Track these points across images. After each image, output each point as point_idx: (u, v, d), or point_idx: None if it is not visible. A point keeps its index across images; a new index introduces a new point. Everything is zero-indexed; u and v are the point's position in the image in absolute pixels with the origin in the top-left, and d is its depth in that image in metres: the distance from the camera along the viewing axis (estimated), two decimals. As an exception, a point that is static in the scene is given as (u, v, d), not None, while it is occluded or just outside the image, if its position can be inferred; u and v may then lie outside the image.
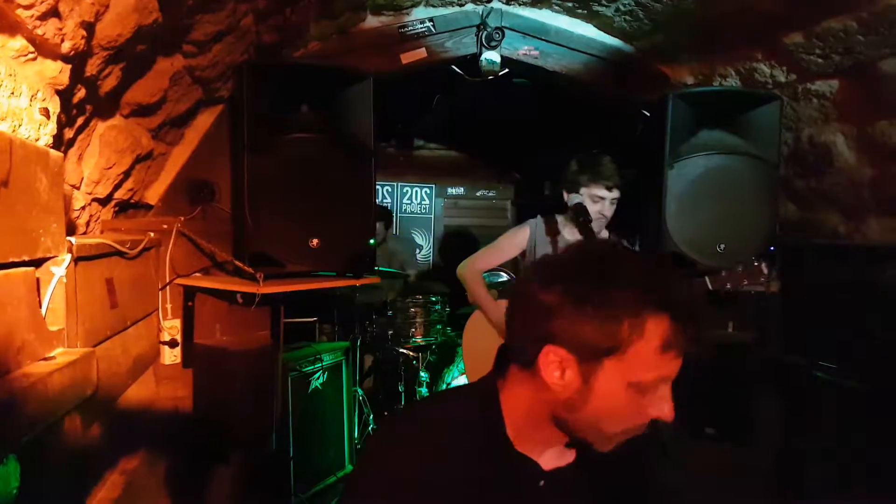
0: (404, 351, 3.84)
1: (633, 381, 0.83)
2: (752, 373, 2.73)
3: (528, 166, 5.94)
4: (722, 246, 2.41)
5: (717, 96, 2.50)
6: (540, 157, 5.44)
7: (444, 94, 3.73)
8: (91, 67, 1.33)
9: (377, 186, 5.93)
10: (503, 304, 2.67)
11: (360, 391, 3.68)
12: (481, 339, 2.68)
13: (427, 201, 6.13)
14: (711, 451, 2.58)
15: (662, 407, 0.86)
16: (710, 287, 2.17)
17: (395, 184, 6.03)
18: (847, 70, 2.18)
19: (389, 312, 3.89)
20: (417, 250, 6.04)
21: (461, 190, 6.23)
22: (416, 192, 6.10)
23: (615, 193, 2.32)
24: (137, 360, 2.00)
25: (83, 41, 1.18)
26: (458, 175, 6.21)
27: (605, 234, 2.54)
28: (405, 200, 6.07)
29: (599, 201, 2.37)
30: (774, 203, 2.48)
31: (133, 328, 1.93)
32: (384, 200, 5.97)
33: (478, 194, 6.27)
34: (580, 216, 2.19)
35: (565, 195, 2.50)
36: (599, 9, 2.58)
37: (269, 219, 2.11)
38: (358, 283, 2.29)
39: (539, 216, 2.66)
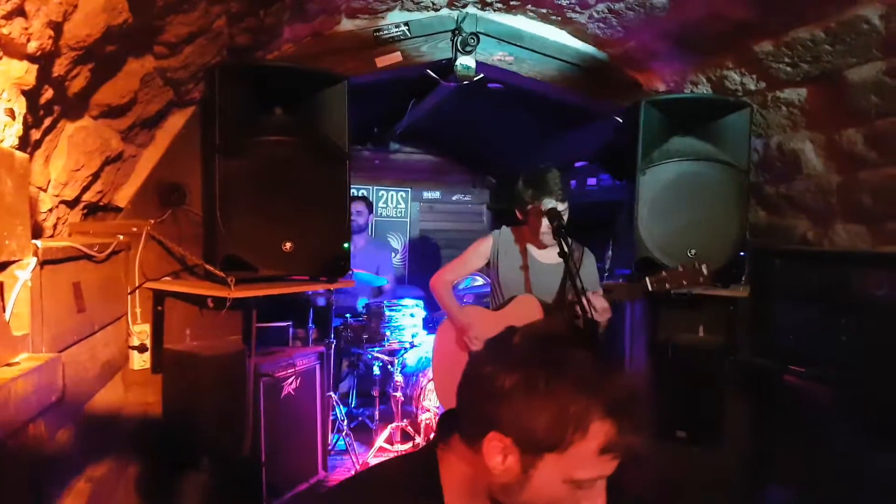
0: (378, 355, 3.83)
1: (571, 478, 0.85)
2: (723, 376, 2.78)
3: (504, 171, 5.98)
4: (693, 251, 2.46)
5: (688, 103, 2.56)
6: (515, 162, 5.48)
7: (420, 97, 3.73)
8: (59, 68, 1.29)
9: (353, 190, 5.94)
10: (468, 309, 2.73)
11: (334, 396, 3.65)
12: (449, 345, 2.70)
13: (403, 205, 6.13)
14: (682, 453, 2.62)
15: (596, 502, 0.89)
16: (649, 288, 2.20)
17: (370, 187, 6.01)
18: (815, 78, 2.23)
19: (363, 317, 3.87)
20: (393, 254, 6.02)
21: (437, 194, 6.24)
22: (392, 195, 6.10)
23: (562, 205, 2.36)
24: (105, 365, 1.96)
25: (50, 41, 1.16)
26: (434, 179, 6.22)
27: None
28: (381, 204, 6.06)
29: (538, 215, 2.40)
30: (745, 209, 2.54)
31: (101, 333, 1.89)
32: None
33: (454, 198, 6.29)
34: (553, 220, 2.22)
35: (517, 212, 2.54)
36: (573, 15, 2.61)
37: (241, 222, 2.09)
38: (332, 287, 2.27)
39: (504, 226, 2.70)
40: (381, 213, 6.06)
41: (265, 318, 3.29)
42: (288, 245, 2.13)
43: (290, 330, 3.93)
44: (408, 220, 6.16)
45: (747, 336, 2.79)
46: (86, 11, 1.21)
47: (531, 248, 2.59)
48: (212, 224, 2.12)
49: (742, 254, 2.52)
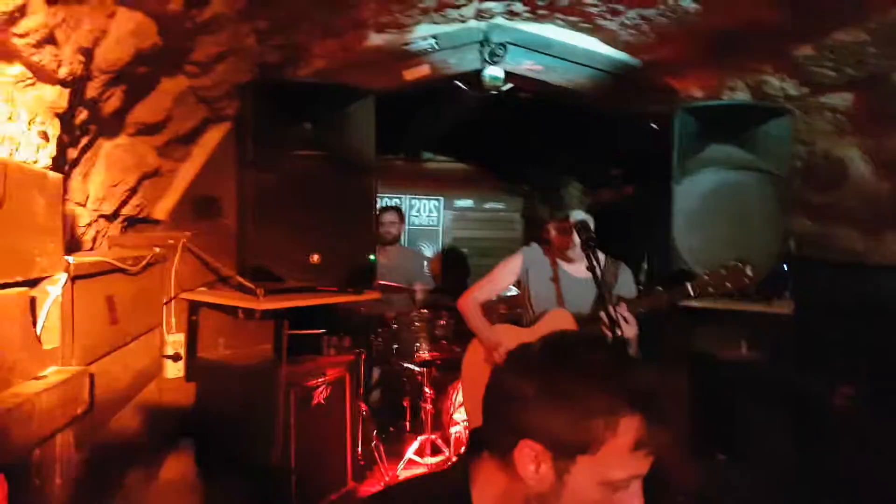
0: (409, 366, 3.82)
1: (606, 480, 0.84)
2: (767, 396, 2.67)
3: (538, 178, 5.92)
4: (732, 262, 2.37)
5: (725, 110, 2.47)
6: (549, 169, 5.42)
7: (451, 106, 3.73)
8: (91, 90, 1.34)
9: (385, 199, 5.98)
10: (499, 328, 2.66)
11: (364, 406, 3.66)
12: (478, 364, 2.66)
13: (435, 214, 6.13)
14: (722, 474, 2.52)
15: (633, 502, 0.87)
16: (691, 293, 2.11)
17: (402, 196, 6.03)
18: (860, 83, 2.13)
19: (394, 326, 3.87)
20: (425, 263, 6.03)
21: (469, 202, 6.21)
22: (424, 204, 6.10)
23: (579, 217, 2.28)
24: (139, 375, 2.00)
25: (81, 66, 1.19)
26: (466, 187, 6.19)
27: (600, 255, 2.50)
28: (413, 213, 6.07)
29: (565, 230, 2.34)
30: (787, 220, 2.44)
31: (134, 343, 1.93)
32: (392, 215, 5.97)
33: (486, 206, 6.25)
34: (582, 234, 2.17)
35: (543, 231, 2.50)
36: (603, 23, 2.56)
37: (271, 234, 2.12)
38: (359, 298, 2.28)
39: (533, 242, 2.66)
40: (412, 222, 6.07)
41: (300, 326, 3.33)
42: (315, 257, 2.15)
43: (324, 338, 3.97)
44: (440, 228, 6.15)
45: (793, 353, 2.67)
46: (116, 37, 1.25)
47: (561, 263, 2.54)
48: (244, 236, 2.15)
49: (785, 267, 2.41)
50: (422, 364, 3.85)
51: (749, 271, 2.04)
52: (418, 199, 6.11)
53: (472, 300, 2.67)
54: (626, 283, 2.49)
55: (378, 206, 5.79)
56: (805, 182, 2.59)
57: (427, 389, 3.76)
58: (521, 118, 4.26)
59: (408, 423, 3.95)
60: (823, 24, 2.02)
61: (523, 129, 4.67)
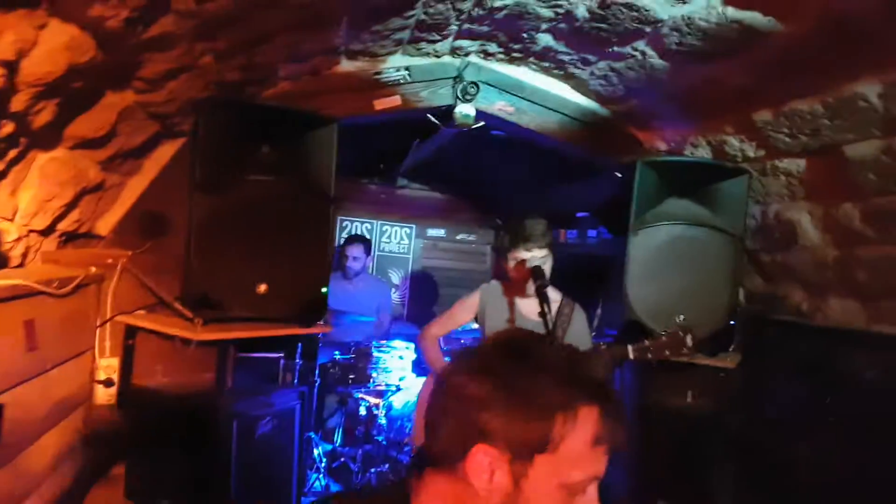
0: (364, 396, 3.73)
1: (565, 482, 0.80)
2: (710, 446, 2.65)
3: (510, 212, 5.93)
4: (681, 317, 2.36)
5: (685, 167, 2.50)
6: (521, 205, 5.44)
7: (423, 138, 3.71)
8: (17, 104, 1.27)
9: (356, 223, 5.92)
10: None
11: (314, 436, 3.55)
12: None
13: (406, 241, 6.08)
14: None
15: None
16: (630, 356, 2.11)
17: (375, 222, 5.98)
18: (814, 151, 2.17)
19: (351, 356, 3.78)
20: (393, 290, 5.95)
21: (442, 232, 6.19)
22: (396, 231, 6.05)
23: (539, 253, 2.27)
24: (61, 402, 1.89)
25: (2, 79, 1.13)
26: (439, 217, 6.17)
27: (556, 295, 2.49)
28: (384, 239, 6.01)
29: (522, 269, 2.33)
30: (738, 276, 2.46)
31: (58, 369, 1.83)
32: (363, 237, 5.91)
33: (458, 237, 6.23)
34: (537, 279, 2.14)
35: (502, 262, 2.49)
36: (575, 71, 2.58)
37: (216, 261, 2.04)
38: (306, 331, 2.21)
39: (494, 280, 2.65)
40: (383, 248, 6.01)
41: (254, 349, 3.23)
42: (262, 287, 2.07)
43: (282, 362, 3.86)
44: (410, 256, 6.10)
45: (738, 405, 2.67)
46: (46, 50, 1.19)
47: (518, 301, 2.52)
48: (188, 260, 2.07)
49: (732, 322, 2.42)
50: (377, 394, 3.76)
51: (689, 341, 2.05)
52: (390, 224, 6.06)
53: (429, 335, 2.71)
54: (579, 326, 2.47)
55: (345, 234, 5.81)
56: (758, 241, 2.61)
57: (381, 421, 3.67)
58: (495, 153, 4.27)
59: (360, 453, 3.83)
60: (782, 91, 2.05)
61: (497, 163, 4.68)
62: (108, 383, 2.24)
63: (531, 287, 2.37)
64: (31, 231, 1.87)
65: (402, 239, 6.08)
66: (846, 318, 2.30)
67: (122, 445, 2.34)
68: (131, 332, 2.27)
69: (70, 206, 2.00)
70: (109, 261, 2.21)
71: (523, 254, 2.32)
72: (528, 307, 2.51)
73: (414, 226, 6.09)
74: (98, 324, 2.18)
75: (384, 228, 6.02)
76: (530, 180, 4.76)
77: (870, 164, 1.96)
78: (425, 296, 6.03)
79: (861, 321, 2.24)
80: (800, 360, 2.43)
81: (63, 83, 1.34)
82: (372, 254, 5.27)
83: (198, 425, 2.58)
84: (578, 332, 2.45)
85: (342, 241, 5.63)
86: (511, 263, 2.40)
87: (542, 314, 2.01)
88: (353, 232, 5.90)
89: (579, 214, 4.11)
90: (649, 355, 2.08)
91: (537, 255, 2.28)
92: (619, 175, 2.88)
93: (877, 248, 2.11)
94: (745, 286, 2.80)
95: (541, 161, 3.98)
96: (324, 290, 2.22)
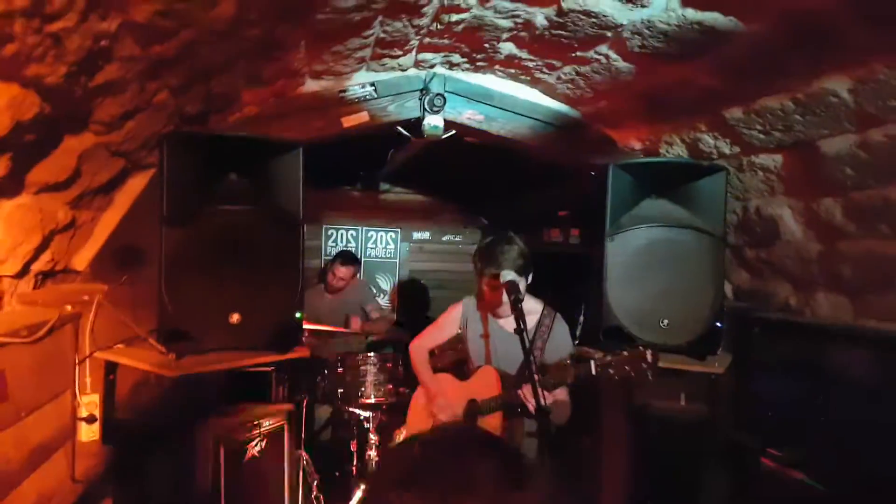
0: (354, 410, 3.72)
1: None
2: (701, 450, 2.65)
3: (494, 212, 5.91)
4: (665, 322, 2.36)
5: (659, 167, 2.48)
6: (504, 204, 5.42)
7: (398, 148, 3.69)
8: (-37, 163, 1.24)
9: (342, 230, 5.90)
10: (440, 377, 2.65)
11: (305, 455, 3.54)
12: (420, 414, 2.64)
13: (392, 245, 6.06)
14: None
15: None
16: (592, 371, 2.10)
17: (359, 228, 5.95)
18: (789, 146, 2.15)
19: (339, 370, 3.76)
20: (380, 295, 5.94)
21: (427, 234, 6.17)
22: (382, 236, 6.03)
23: (509, 276, 2.22)
24: (39, 448, 1.87)
25: (-59, 143, 1.10)
26: (424, 219, 6.15)
27: (537, 305, 2.49)
28: (370, 245, 5.99)
29: (495, 287, 2.30)
30: (720, 277, 2.43)
31: (34, 415, 1.81)
32: (348, 245, 5.89)
33: (444, 239, 6.21)
34: (511, 294, 2.13)
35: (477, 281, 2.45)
36: (541, 76, 2.56)
37: (188, 293, 2.02)
38: (282, 358, 2.19)
39: (469, 295, 2.64)
40: (369, 254, 5.99)
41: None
42: (235, 317, 2.06)
43: (274, 374, 3.84)
44: (397, 260, 6.08)
45: (730, 407, 2.67)
46: (-15, 111, 1.16)
47: (492, 317, 2.51)
48: (160, 295, 2.05)
49: (719, 324, 2.40)
50: (367, 408, 3.75)
51: (649, 356, 2.03)
52: (375, 230, 6.04)
53: (419, 347, 2.73)
54: (559, 338, 2.45)
55: (331, 241, 5.79)
56: (741, 236, 2.61)
57: (371, 436, 3.66)
58: (473, 157, 4.25)
59: (354, 469, 3.83)
60: (751, 88, 2.04)
61: (476, 166, 4.65)
62: (90, 420, 2.22)
63: (505, 308, 2.35)
64: (3, 276, 1.85)
65: (387, 244, 6.05)
66: (834, 313, 2.28)
67: (110, 482, 2.33)
68: (111, 367, 2.26)
69: (40, 249, 1.97)
70: (86, 297, 2.19)
71: (493, 279, 2.28)
72: (504, 322, 2.49)
73: (399, 230, 6.07)
74: (77, 361, 2.16)
75: (369, 234, 6.00)
76: (513, 179, 4.74)
77: (845, 158, 1.94)
78: (415, 299, 6.01)
79: (849, 316, 2.22)
80: (789, 359, 2.41)
81: (12, 139, 1.32)
82: (360, 269, 5.27)
83: (184, 453, 2.57)
84: (559, 344, 2.43)
85: (330, 253, 5.64)
86: (484, 288, 2.38)
87: (519, 331, 2.00)
88: (339, 240, 5.88)
89: (560, 213, 4.09)
90: (611, 370, 2.06)
91: (505, 280, 2.27)
92: (595, 175, 2.86)
93: (859, 243, 2.09)
94: (732, 281, 2.80)
95: (522, 160, 3.97)
96: (298, 314, 2.20)
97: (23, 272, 1.98)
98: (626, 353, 2.05)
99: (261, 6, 1.60)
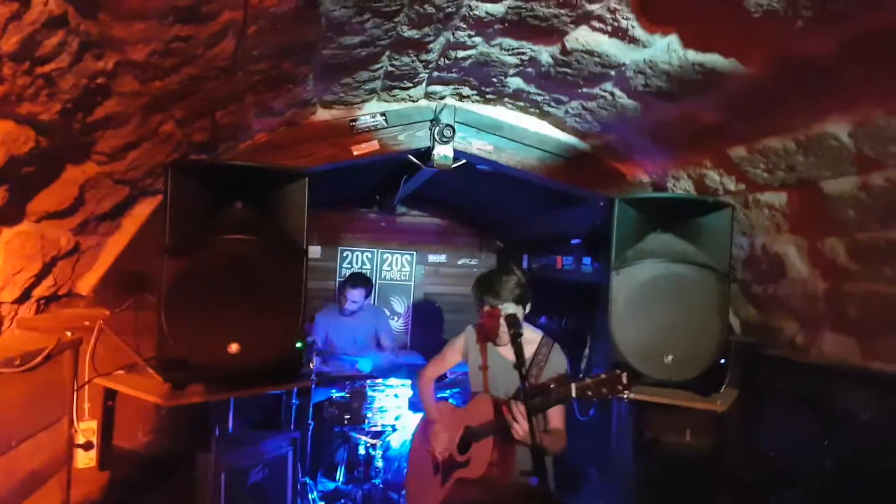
0: (361, 436, 3.69)
1: None
2: (707, 486, 2.58)
3: (510, 236, 5.89)
4: (669, 357, 2.31)
5: (665, 202, 2.44)
6: (519, 229, 5.40)
7: (410, 174, 3.70)
8: (-39, 196, 1.27)
9: (357, 252, 5.92)
10: (440, 405, 2.70)
11: (309, 482, 3.52)
12: (422, 440, 2.64)
13: (407, 268, 6.07)
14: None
15: None
16: (572, 394, 2.07)
17: (375, 250, 5.98)
18: (793, 185, 2.11)
19: (347, 395, 3.75)
20: (394, 318, 5.93)
21: (443, 257, 6.17)
22: (397, 258, 6.04)
23: (510, 310, 2.28)
24: (33, 474, 1.88)
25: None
26: (440, 242, 6.16)
27: (535, 335, 2.47)
28: (385, 267, 6.01)
29: (494, 316, 2.33)
30: (725, 313, 2.38)
31: (27, 442, 1.82)
32: (363, 267, 5.90)
33: (459, 262, 6.20)
34: (511, 327, 2.13)
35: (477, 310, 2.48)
36: (550, 109, 2.56)
37: (188, 323, 2.03)
38: (281, 389, 2.18)
39: (470, 325, 2.65)
40: (384, 276, 6.01)
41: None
42: (234, 347, 2.06)
43: (283, 398, 3.84)
44: (412, 283, 6.08)
45: (735, 444, 2.59)
46: (-20, 147, 1.19)
47: (491, 347, 2.51)
48: (160, 324, 2.06)
49: (723, 361, 2.34)
50: (374, 435, 3.72)
51: (624, 379, 2.01)
52: (391, 252, 6.06)
53: (425, 377, 2.79)
54: (555, 366, 2.45)
55: (346, 263, 5.82)
56: (748, 272, 2.55)
57: (377, 463, 3.63)
58: (489, 179, 4.25)
59: (361, 493, 3.79)
60: (754, 128, 2.01)
61: (491, 191, 4.65)
62: (87, 447, 2.23)
63: (503, 337, 2.35)
64: (2, 303, 1.88)
65: (403, 266, 6.06)
66: (841, 354, 2.22)
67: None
68: (110, 393, 2.27)
69: (41, 275, 2.01)
70: (86, 323, 2.21)
71: (490, 308, 2.32)
72: (503, 350, 2.49)
73: (415, 252, 6.08)
74: (76, 387, 2.18)
75: (385, 256, 6.02)
76: (527, 205, 4.73)
77: (848, 200, 1.90)
78: (429, 322, 6.00)
79: (856, 357, 2.16)
80: (795, 398, 2.35)
81: (8, 171, 1.35)
82: (373, 289, 5.28)
83: (184, 480, 2.56)
84: (555, 373, 2.43)
85: (345, 274, 5.67)
86: (483, 315, 2.41)
87: (518, 366, 1.98)
88: (354, 262, 5.91)
89: (574, 241, 4.06)
90: (589, 393, 2.05)
91: (504, 311, 2.27)
92: (602, 205, 2.84)
93: (864, 285, 2.04)
94: (740, 316, 2.74)
95: (530, 190, 3.95)
96: (298, 345, 2.19)
97: (23, 298, 2.01)
98: (603, 375, 2.04)
99: (263, 43, 1.62)
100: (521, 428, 2.05)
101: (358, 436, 3.74)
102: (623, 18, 1.69)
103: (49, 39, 1.05)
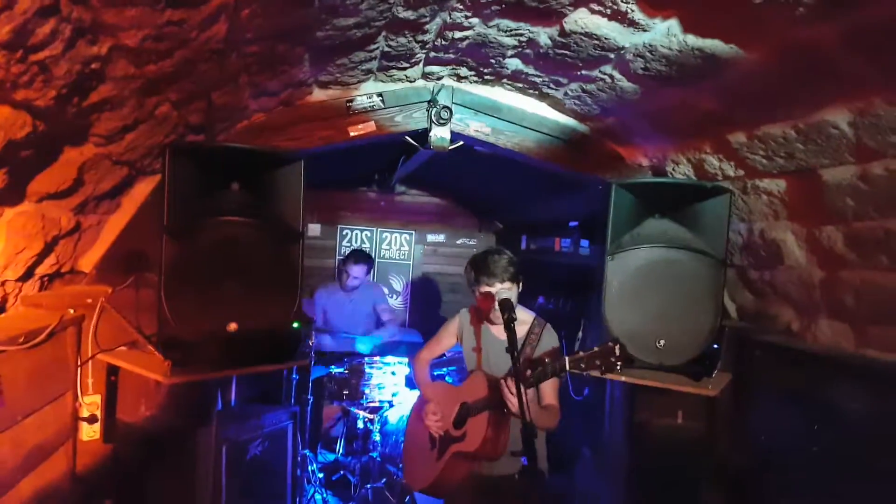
0: (359, 411, 3.76)
1: None
2: (698, 469, 2.63)
3: (509, 217, 5.89)
4: (661, 342, 2.33)
5: (662, 187, 2.44)
6: (518, 209, 5.40)
7: (409, 154, 3.70)
8: (-42, 180, 1.28)
9: (357, 231, 5.94)
10: (436, 385, 2.73)
11: (309, 453, 3.59)
12: (417, 422, 2.68)
13: (406, 247, 6.09)
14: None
15: None
16: (566, 367, 2.09)
17: (374, 229, 5.99)
18: (792, 173, 2.11)
19: (345, 371, 3.81)
20: (393, 296, 5.98)
21: (441, 237, 6.18)
22: (396, 237, 6.06)
23: (502, 286, 2.32)
24: (39, 447, 1.93)
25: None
26: (439, 222, 6.17)
27: (527, 316, 2.50)
28: (384, 246, 6.03)
29: (487, 295, 2.36)
30: (720, 299, 2.39)
31: (32, 417, 1.86)
32: (363, 245, 5.93)
33: (458, 242, 6.22)
34: (505, 312, 2.15)
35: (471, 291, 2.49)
36: (549, 91, 2.54)
37: (187, 302, 2.05)
38: (278, 367, 2.22)
39: (464, 308, 2.69)
40: (383, 255, 6.03)
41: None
42: (232, 326, 2.09)
43: (284, 373, 3.90)
44: (411, 262, 6.11)
45: (727, 428, 2.63)
46: (-24, 133, 1.20)
47: (485, 329, 2.54)
48: (160, 303, 2.09)
49: (716, 346, 2.37)
50: (372, 410, 3.79)
51: (617, 351, 2.02)
52: (390, 231, 6.08)
53: (420, 358, 2.84)
54: (547, 346, 2.48)
55: (345, 241, 5.84)
56: (745, 258, 2.56)
57: (375, 437, 3.70)
58: (488, 160, 4.24)
59: (359, 466, 3.88)
60: (754, 114, 2.00)
61: (491, 171, 4.64)
62: (91, 420, 2.28)
63: (498, 317, 2.38)
64: (6, 281, 1.91)
65: (402, 245, 6.09)
66: (836, 341, 2.23)
67: (110, 480, 2.39)
68: (113, 368, 2.31)
69: (43, 254, 2.03)
70: (89, 301, 2.24)
71: (486, 288, 2.34)
72: (496, 330, 2.53)
73: (414, 232, 6.10)
74: (79, 363, 2.22)
75: (384, 235, 6.04)
76: (526, 186, 4.72)
77: (847, 189, 1.90)
78: (427, 302, 6.04)
79: (850, 344, 2.18)
80: (788, 384, 2.38)
81: (6, 155, 1.36)
82: (372, 268, 5.28)
83: (186, 453, 2.62)
84: (546, 353, 2.46)
85: (344, 253, 5.70)
86: (477, 295, 2.43)
87: (511, 350, 2.01)
88: (353, 240, 5.93)
89: (571, 224, 4.06)
90: (583, 365, 2.07)
91: (500, 289, 2.30)
92: (600, 188, 2.84)
93: (861, 273, 2.04)
94: (736, 301, 2.75)
95: (529, 172, 3.94)
96: (295, 325, 2.22)
97: (26, 276, 2.04)
98: (596, 349, 2.06)
99: (257, 26, 1.61)
100: (513, 404, 2.09)
101: (356, 411, 3.80)
102: (622, 1, 1.67)
103: (41, 28, 1.05)
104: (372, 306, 4.69)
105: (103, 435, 2.32)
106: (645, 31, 1.80)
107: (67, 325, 2.10)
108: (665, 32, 1.78)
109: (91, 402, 2.27)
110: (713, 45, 1.73)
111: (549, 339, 2.50)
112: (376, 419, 3.74)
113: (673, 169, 2.62)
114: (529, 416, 1.94)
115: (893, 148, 1.61)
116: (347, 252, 4.78)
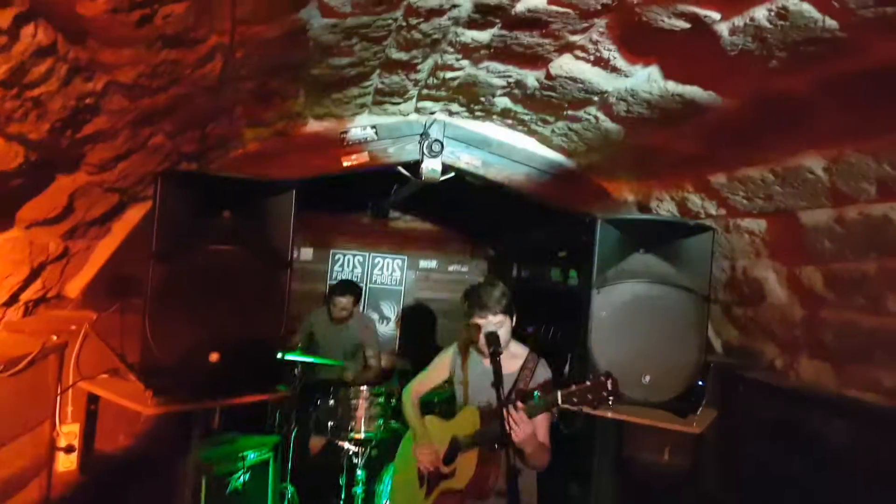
0: (343, 444, 3.70)
1: None
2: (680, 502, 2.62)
3: (501, 244, 5.93)
4: (647, 378, 2.35)
5: (647, 224, 2.48)
6: (510, 237, 5.44)
7: (401, 184, 3.74)
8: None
9: (349, 256, 5.95)
10: (426, 419, 2.68)
11: (290, 488, 3.53)
12: (407, 460, 2.64)
13: (398, 273, 6.09)
14: None
15: None
16: (559, 401, 2.08)
17: (366, 254, 6.00)
18: (772, 213, 2.16)
19: (331, 402, 3.76)
20: (384, 322, 5.96)
21: (434, 263, 6.19)
22: (388, 262, 6.07)
23: (496, 318, 2.27)
24: (14, 477, 1.91)
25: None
26: (431, 248, 6.18)
27: (522, 350, 2.50)
28: (376, 271, 6.03)
29: (478, 329, 2.33)
30: (704, 335, 2.42)
31: (8, 447, 1.84)
32: (354, 270, 5.93)
33: (450, 268, 6.23)
34: (490, 345, 2.15)
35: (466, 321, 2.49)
36: (537, 128, 2.60)
37: (171, 330, 2.05)
38: (259, 398, 2.22)
39: (457, 342, 2.66)
40: (375, 280, 6.03)
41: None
42: (214, 356, 2.08)
43: (267, 403, 3.85)
44: (402, 288, 6.11)
45: (712, 463, 2.63)
46: (-33, 165, 1.22)
47: (472, 364, 2.52)
48: (144, 331, 2.09)
49: (701, 382, 2.38)
50: (357, 443, 3.73)
51: (610, 385, 2.01)
52: (382, 256, 6.08)
53: (410, 391, 2.77)
54: (541, 381, 2.45)
55: (337, 266, 5.84)
56: (729, 294, 2.59)
57: (359, 472, 3.65)
58: (480, 191, 4.28)
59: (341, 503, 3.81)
60: (732, 158, 2.06)
61: (483, 199, 4.69)
62: (68, 450, 2.25)
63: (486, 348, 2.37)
64: (-10, 306, 1.90)
65: (394, 271, 6.09)
66: (818, 379, 2.26)
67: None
68: (93, 397, 2.29)
69: (29, 280, 2.03)
70: (73, 327, 2.24)
71: (478, 321, 2.33)
72: (486, 362, 2.50)
73: (406, 257, 6.10)
74: (59, 391, 2.20)
75: (376, 260, 6.04)
76: (518, 214, 4.76)
77: (824, 231, 1.95)
78: (419, 328, 6.01)
79: (832, 383, 2.20)
80: (771, 421, 2.39)
81: (-4, 184, 1.37)
82: (364, 292, 5.27)
83: (164, 484, 2.58)
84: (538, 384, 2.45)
85: (336, 277, 5.69)
86: (472, 326, 2.41)
87: (496, 385, 2.01)
88: (345, 265, 5.93)
89: (560, 253, 4.10)
90: (575, 399, 2.05)
91: (492, 321, 2.29)
92: (587, 222, 2.88)
93: (840, 313, 2.08)
94: (722, 336, 2.78)
95: (520, 202, 3.99)
96: (279, 354, 2.22)
97: (10, 301, 2.04)
98: (588, 382, 2.05)
99: (251, 64, 1.66)
100: (520, 432, 2.06)
101: (340, 443, 3.74)
102: (605, 49, 1.73)
103: (37, 67, 1.08)
104: (360, 345, 4.60)
105: (79, 466, 2.29)
106: (627, 76, 1.86)
107: (49, 353, 2.09)
108: (646, 78, 1.83)
109: (69, 432, 2.25)
110: (692, 91, 1.79)
111: (543, 375, 2.48)
112: (361, 453, 3.69)
113: (657, 205, 2.67)
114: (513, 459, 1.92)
115: (866, 193, 1.66)
116: (335, 282, 4.76)
